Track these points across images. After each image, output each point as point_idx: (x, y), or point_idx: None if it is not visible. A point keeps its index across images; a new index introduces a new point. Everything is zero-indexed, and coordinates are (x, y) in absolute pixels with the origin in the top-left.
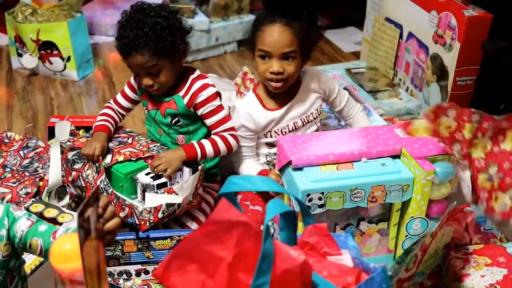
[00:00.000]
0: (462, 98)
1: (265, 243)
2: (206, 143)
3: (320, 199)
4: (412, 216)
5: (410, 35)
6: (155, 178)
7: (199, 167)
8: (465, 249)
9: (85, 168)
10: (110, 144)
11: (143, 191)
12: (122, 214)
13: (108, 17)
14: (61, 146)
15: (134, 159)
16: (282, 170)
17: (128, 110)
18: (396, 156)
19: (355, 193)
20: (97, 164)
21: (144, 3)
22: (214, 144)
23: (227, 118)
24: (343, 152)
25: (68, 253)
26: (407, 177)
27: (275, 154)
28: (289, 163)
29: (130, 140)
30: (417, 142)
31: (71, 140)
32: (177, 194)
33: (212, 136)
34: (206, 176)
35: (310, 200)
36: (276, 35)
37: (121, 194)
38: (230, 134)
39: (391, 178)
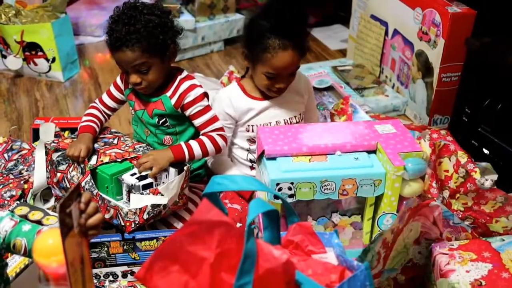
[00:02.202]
0: (447, 94)
1: (248, 243)
2: (193, 144)
3: (290, 189)
4: (384, 212)
5: (396, 32)
6: (140, 179)
7: (185, 168)
8: (450, 245)
9: (70, 170)
10: (96, 145)
11: (129, 192)
12: (107, 216)
13: (94, 18)
14: (45, 147)
15: (119, 160)
16: (259, 159)
17: (114, 110)
18: (372, 152)
19: (325, 185)
20: (82, 166)
21: (136, 1)
22: (202, 144)
23: (215, 119)
24: (317, 144)
25: (51, 248)
26: (379, 172)
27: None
28: (263, 152)
29: (115, 141)
30: (394, 138)
31: (56, 141)
32: (162, 194)
33: (200, 137)
34: (192, 176)
35: (279, 190)
36: (287, 62)
37: (106, 196)
38: (219, 134)
39: (362, 172)
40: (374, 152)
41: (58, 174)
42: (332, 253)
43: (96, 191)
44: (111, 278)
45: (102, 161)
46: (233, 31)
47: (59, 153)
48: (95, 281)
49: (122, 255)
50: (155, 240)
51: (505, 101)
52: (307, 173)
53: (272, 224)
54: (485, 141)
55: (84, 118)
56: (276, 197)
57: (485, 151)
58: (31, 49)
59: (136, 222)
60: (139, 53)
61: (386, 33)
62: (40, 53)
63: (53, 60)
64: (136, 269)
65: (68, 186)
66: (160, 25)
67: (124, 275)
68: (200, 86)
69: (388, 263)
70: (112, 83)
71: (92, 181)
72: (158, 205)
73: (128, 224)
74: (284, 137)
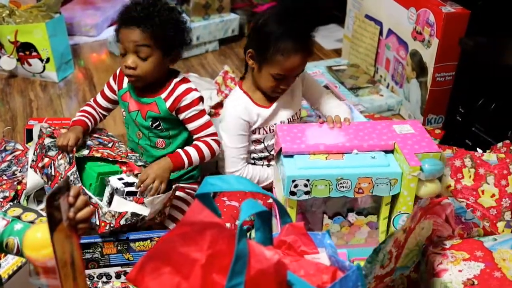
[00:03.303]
0: (441, 94)
1: (239, 244)
2: (191, 150)
3: (305, 185)
4: (399, 211)
5: (390, 32)
6: (126, 185)
7: (173, 186)
8: (443, 245)
9: (59, 157)
10: (89, 142)
11: (111, 195)
12: None
13: (88, 18)
14: (40, 130)
15: (111, 159)
16: (277, 157)
17: (108, 110)
18: (390, 152)
19: (341, 183)
20: (70, 155)
21: None
22: (199, 150)
23: (209, 123)
24: (335, 143)
25: (40, 241)
26: (395, 171)
27: (260, 151)
28: (280, 150)
29: (110, 145)
30: (412, 139)
31: (52, 127)
32: (146, 206)
33: (195, 143)
34: (186, 178)
35: (295, 186)
36: (298, 64)
37: (88, 191)
38: (213, 139)
39: (378, 171)
40: (392, 152)
41: (46, 159)
42: (325, 253)
43: (79, 183)
44: (104, 279)
45: (93, 154)
46: (228, 31)
47: (53, 139)
48: (88, 282)
49: (116, 256)
50: (149, 241)
51: (499, 101)
52: (323, 170)
53: (264, 224)
54: (479, 140)
55: (77, 114)
56: (292, 193)
57: (479, 150)
58: (25, 49)
59: (112, 225)
60: (147, 36)
61: (381, 33)
62: (34, 53)
63: (47, 60)
64: (129, 269)
65: (53, 173)
66: (175, 25)
67: (118, 275)
68: (196, 89)
69: (400, 261)
70: (106, 83)
71: (77, 173)
72: (138, 215)
73: (103, 224)
74: (302, 135)
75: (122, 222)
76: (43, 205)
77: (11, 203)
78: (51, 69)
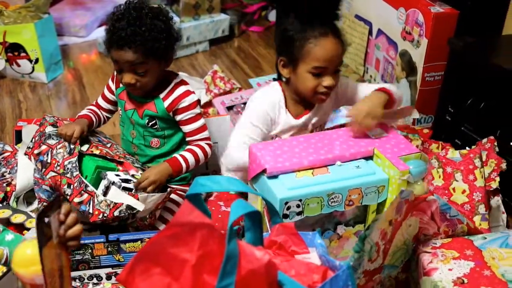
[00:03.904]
0: (430, 94)
1: (229, 244)
2: (188, 155)
3: (298, 206)
4: None
5: (380, 32)
6: (122, 181)
7: (168, 190)
8: (433, 243)
9: (58, 146)
10: (91, 138)
11: (106, 188)
12: (78, 200)
13: (78, 18)
14: (44, 118)
15: (109, 157)
16: (254, 178)
17: (110, 111)
18: (368, 157)
19: (332, 198)
20: (72, 146)
21: (142, 1)
22: (195, 155)
23: (204, 128)
24: (317, 157)
25: (29, 258)
26: (382, 178)
27: None
28: (264, 171)
29: (108, 145)
30: (389, 142)
31: (56, 118)
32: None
33: (190, 147)
34: (178, 179)
35: (288, 208)
36: (330, 49)
37: (85, 180)
38: (207, 143)
39: (366, 180)
40: (371, 158)
41: (43, 147)
42: (315, 253)
43: (77, 172)
44: (95, 280)
45: (92, 151)
46: (218, 31)
47: (54, 128)
48: (78, 283)
49: (106, 257)
50: (139, 242)
51: (488, 100)
52: (314, 187)
53: (255, 225)
54: (468, 139)
55: (83, 111)
56: (285, 216)
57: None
58: (14, 50)
59: (105, 214)
60: (141, 54)
61: (370, 33)
62: (23, 54)
63: (36, 61)
64: (120, 271)
65: (48, 161)
66: (165, 31)
67: (108, 277)
68: (194, 92)
69: (388, 259)
70: (105, 85)
71: (76, 162)
72: (133, 209)
73: (96, 213)
74: (281, 152)
75: (116, 213)
76: (32, 207)
77: (1, 205)
78: (40, 70)
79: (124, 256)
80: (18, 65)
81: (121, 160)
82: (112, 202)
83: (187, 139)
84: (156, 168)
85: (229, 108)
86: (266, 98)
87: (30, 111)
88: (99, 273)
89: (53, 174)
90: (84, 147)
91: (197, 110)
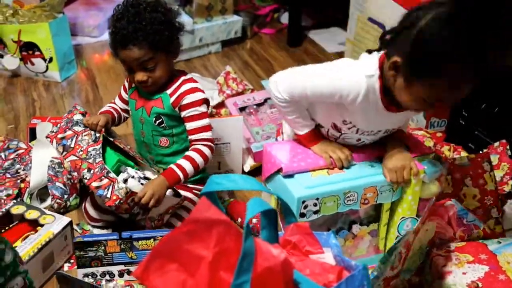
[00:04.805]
0: None
1: (246, 242)
2: (184, 163)
3: (315, 205)
4: (403, 217)
5: None
6: (141, 178)
7: (182, 197)
8: (447, 247)
9: (84, 134)
10: (114, 134)
11: (125, 181)
12: (96, 184)
13: (91, 18)
14: (74, 107)
15: (131, 154)
16: (269, 177)
17: (127, 111)
18: (381, 158)
19: (348, 196)
20: (97, 135)
21: None
22: (192, 162)
23: (207, 128)
24: None
25: None
26: None
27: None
28: (279, 170)
29: (128, 147)
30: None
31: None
32: None
33: (188, 153)
34: (195, 180)
35: (305, 207)
36: (463, 94)
37: (107, 167)
38: (206, 145)
39: (382, 178)
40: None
41: (69, 132)
42: (330, 253)
43: (100, 159)
44: (107, 277)
45: (117, 144)
46: (231, 32)
47: (83, 117)
48: (91, 280)
49: (119, 254)
50: (152, 240)
51: (502, 105)
52: (330, 186)
53: (270, 223)
54: (482, 144)
55: (103, 108)
56: (302, 215)
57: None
58: (28, 49)
59: (122, 200)
60: (147, 49)
61: None
62: (37, 53)
63: (50, 60)
64: (133, 268)
65: (72, 146)
66: (165, 22)
67: (121, 274)
68: (202, 91)
69: (405, 264)
70: (121, 86)
71: (100, 150)
72: (145, 205)
73: (114, 198)
74: (295, 153)
75: (131, 203)
76: (46, 203)
77: (15, 201)
78: (54, 69)
79: (137, 253)
80: (32, 64)
81: (140, 161)
82: (130, 190)
83: (189, 137)
84: (153, 183)
85: (242, 109)
86: (359, 76)
87: (44, 110)
88: (112, 270)
89: (74, 158)
90: (110, 138)
91: (203, 108)
